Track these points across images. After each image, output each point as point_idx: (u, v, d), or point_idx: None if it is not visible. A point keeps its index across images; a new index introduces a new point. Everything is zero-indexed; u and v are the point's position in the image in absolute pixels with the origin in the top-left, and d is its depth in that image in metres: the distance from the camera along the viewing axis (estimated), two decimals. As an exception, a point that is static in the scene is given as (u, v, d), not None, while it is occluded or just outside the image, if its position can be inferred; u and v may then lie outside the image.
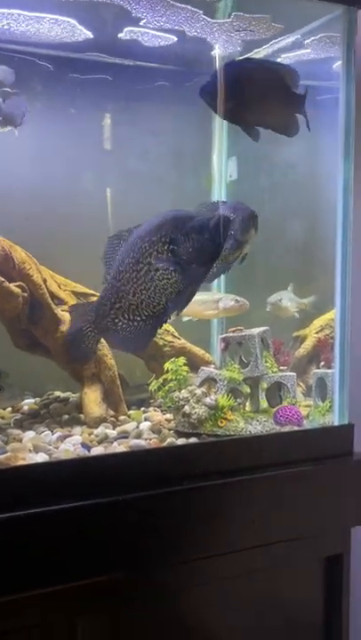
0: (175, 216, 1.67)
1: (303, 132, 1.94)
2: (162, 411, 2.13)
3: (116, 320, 1.73)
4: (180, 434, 1.88)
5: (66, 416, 2.06)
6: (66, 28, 1.98)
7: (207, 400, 1.89)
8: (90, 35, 2.03)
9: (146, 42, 2.11)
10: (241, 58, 2.12)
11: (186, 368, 2.01)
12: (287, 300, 2.46)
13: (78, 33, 2.01)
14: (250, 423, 1.92)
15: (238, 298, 2.23)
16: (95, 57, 2.20)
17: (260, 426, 1.93)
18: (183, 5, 1.90)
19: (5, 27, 1.93)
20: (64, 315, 2.04)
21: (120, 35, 2.06)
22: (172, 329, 2.26)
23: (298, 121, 1.92)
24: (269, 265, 2.48)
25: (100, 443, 1.82)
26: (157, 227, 1.66)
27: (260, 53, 2.19)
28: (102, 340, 2.09)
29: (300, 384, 2.30)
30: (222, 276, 2.30)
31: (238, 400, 1.97)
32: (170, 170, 2.40)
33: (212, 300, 2.26)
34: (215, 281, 2.33)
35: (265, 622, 1.83)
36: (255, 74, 1.88)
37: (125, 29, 2.04)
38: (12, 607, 1.42)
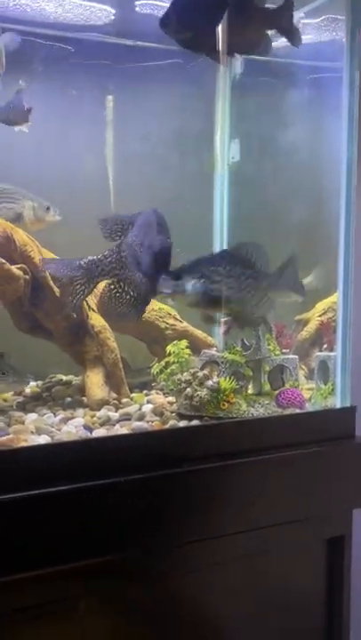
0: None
1: (309, 114, 1.91)
2: (164, 393, 2.13)
3: (112, 286, 1.78)
4: (182, 416, 1.88)
5: (68, 399, 2.07)
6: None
7: (209, 383, 1.89)
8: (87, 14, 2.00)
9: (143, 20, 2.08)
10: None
11: (188, 351, 2.00)
12: None
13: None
14: (252, 406, 1.92)
15: None
16: (95, 37, 2.17)
17: (262, 408, 1.93)
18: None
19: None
20: (66, 297, 2.04)
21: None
22: (173, 312, 2.25)
23: (269, 38, 1.81)
24: (271, 247, 2.47)
25: (102, 425, 1.82)
26: None
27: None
28: (105, 322, 2.10)
29: (303, 367, 2.30)
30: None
31: (240, 383, 1.97)
32: (173, 151, 2.39)
33: None
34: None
35: (266, 605, 1.84)
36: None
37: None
38: (14, 588, 1.43)
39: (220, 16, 1.72)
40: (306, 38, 2.10)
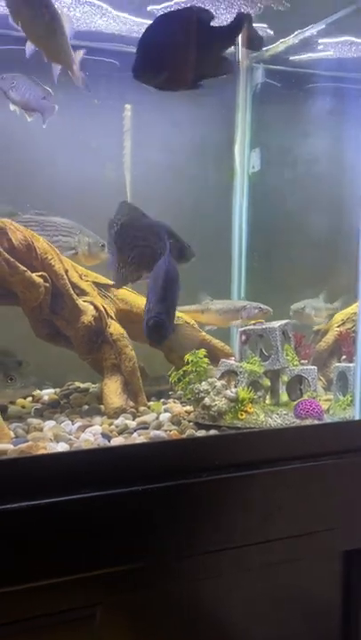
0: None
1: (327, 125, 1.91)
2: (181, 402, 2.13)
3: None
4: (199, 426, 1.88)
5: (86, 406, 2.07)
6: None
7: (227, 392, 1.88)
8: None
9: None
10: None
11: (206, 360, 2.00)
12: (310, 309, 2.46)
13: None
14: (270, 416, 1.92)
15: (262, 305, 2.23)
16: (112, 46, 2.19)
17: (280, 419, 1.92)
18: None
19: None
20: (85, 305, 2.05)
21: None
22: (192, 321, 2.26)
23: (227, 58, 1.81)
24: (292, 260, 2.47)
25: (120, 433, 1.83)
26: None
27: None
28: (123, 330, 2.11)
29: (321, 378, 2.29)
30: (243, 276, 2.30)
31: (259, 393, 1.96)
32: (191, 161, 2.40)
33: (235, 308, 2.25)
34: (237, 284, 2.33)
35: (282, 615, 1.83)
36: (165, 33, 1.72)
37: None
38: (32, 595, 1.43)
39: (185, 50, 1.73)
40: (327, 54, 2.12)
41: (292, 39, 2.18)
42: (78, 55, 1.86)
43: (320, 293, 2.49)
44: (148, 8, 1.99)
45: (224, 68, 1.79)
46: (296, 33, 2.14)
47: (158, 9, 1.95)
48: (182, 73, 1.72)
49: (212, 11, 1.73)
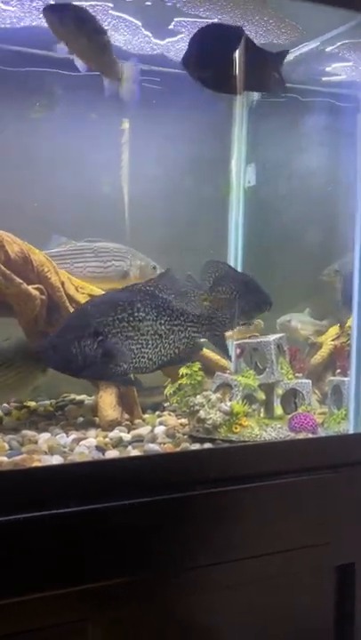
0: None
1: (324, 140, 1.94)
2: (176, 415, 2.13)
3: None
4: (194, 439, 1.88)
5: (80, 418, 2.07)
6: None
7: (222, 405, 1.89)
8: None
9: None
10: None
11: (201, 373, 2.01)
12: (296, 322, 2.48)
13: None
14: (264, 429, 1.92)
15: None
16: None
17: (274, 432, 1.92)
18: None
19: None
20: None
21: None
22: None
23: (281, 78, 1.91)
24: (285, 275, 2.49)
25: (114, 446, 1.83)
26: None
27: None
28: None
29: (316, 391, 2.30)
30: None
31: (253, 406, 1.97)
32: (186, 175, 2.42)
33: None
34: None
35: (275, 631, 1.83)
36: (217, 36, 1.85)
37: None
38: (23, 609, 1.42)
39: (233, 55, 1.83)
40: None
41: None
42: (129, 67, 1.88)
43: (305, 309, 2.51)
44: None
45: (273, 85, 1.92)
46: (293, 50, 2.16)
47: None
48: (228, 74, 1.81)
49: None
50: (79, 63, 1.76)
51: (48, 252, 2.09)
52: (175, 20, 1.96)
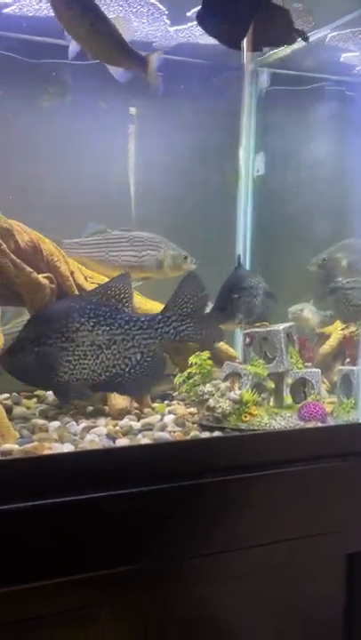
0: None
1: (331, 129, 1.92)
2: (185, 404, 2.13)
3: None
4: (203, 427, 1.89)
5: (90, 407, 2.08)
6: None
7: (231, 394, 1.89)
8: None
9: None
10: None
11: (210, 362, 2.01)
12: (308, 312, 2.49)
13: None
14: (274, 418, 1.92)
15: None
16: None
17: (283, 421, 1.92)
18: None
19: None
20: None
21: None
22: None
23: (299, 30, 1.88)
24: (295, 264, 2.48)
25: (124, 434, 1.83)
26: None
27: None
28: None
29: (325, 380, 2.30)
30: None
31: (263, 395, 1.97)
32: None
33: None
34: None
35: (284, 619, 1.83)
36: None
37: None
38: (34, 596, 1.44)
39: (253, 9, 1.79)
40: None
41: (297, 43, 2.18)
42: (157, 56, 1.87)
43: (311, 299, 2.52)
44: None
45: (290, 38, 1.86)
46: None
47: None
48: (243, 29, 1.79)
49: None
50: (73, 48, 1.75)
51: (83, 240, 2.10)
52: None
